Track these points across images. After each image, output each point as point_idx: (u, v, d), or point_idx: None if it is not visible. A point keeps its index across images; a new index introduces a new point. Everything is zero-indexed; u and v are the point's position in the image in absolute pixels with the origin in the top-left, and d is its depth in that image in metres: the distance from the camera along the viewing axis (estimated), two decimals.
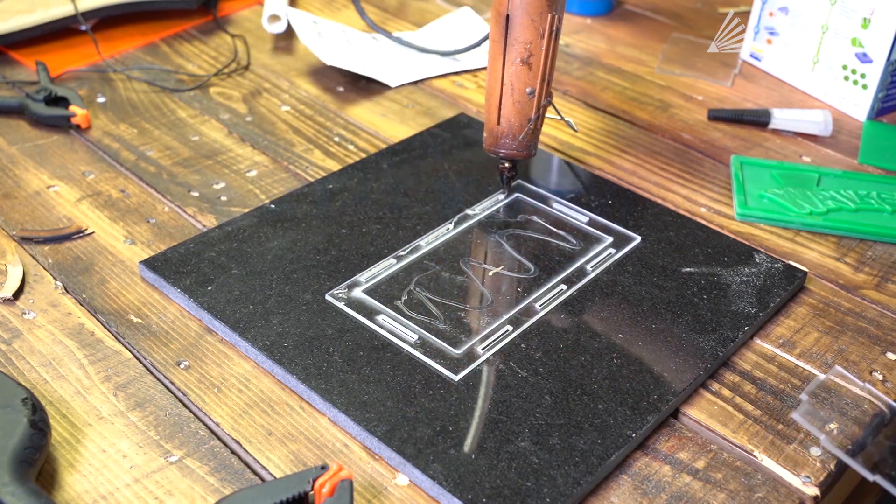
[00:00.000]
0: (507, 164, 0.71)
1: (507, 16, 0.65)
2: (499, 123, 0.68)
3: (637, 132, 0.86)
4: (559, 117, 0.71)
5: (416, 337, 0.59)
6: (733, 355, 0.61)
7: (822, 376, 0.54)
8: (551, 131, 0.85)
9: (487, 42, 0.98)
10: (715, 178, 0.79)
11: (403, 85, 0.92)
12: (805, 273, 0.67)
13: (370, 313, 0.61)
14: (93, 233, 0.69)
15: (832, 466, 0.53)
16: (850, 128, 0.88)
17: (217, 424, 0.54)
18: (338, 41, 0.97)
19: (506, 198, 0.72)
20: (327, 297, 0.62)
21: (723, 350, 0.59)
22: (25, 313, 0.61)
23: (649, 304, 0.63)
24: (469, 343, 0.59)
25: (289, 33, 1.01)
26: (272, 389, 0.56)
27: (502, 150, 0.69)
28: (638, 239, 0.69)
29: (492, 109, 0.68)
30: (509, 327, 0.60)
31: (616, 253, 0.67)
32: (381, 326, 0.60)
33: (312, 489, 0.47)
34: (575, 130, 0.76)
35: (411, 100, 0.89)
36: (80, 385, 0.56)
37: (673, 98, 0.92)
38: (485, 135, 0.70)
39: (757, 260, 0.67)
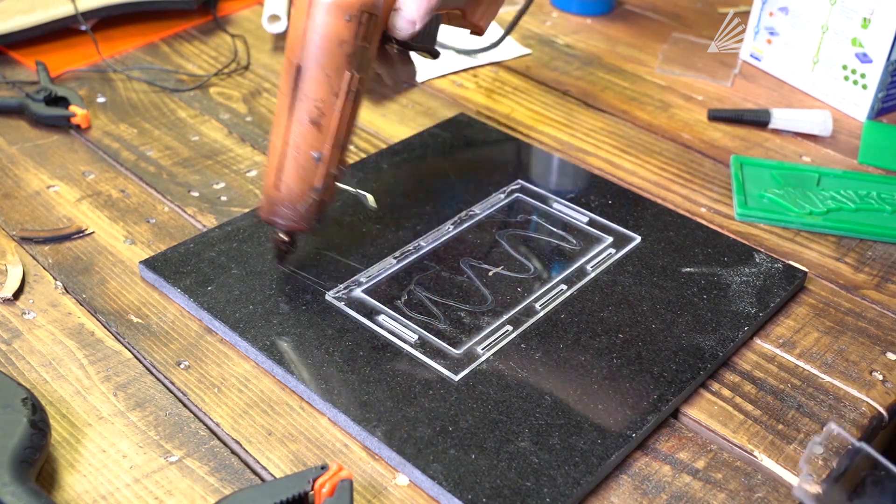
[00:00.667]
0: (283, 237, 0.61)
1: (299, 66, 0.55)
2: (278, 189, 0.58)
3: (637, 132, 0.86)
4: (353, 192, 0.61)
5: (416, 337, 0.59)
6: (733, 355, 0.61)
7: (818, 437, 0.53)
8: (551, 131, 0.85)
9: (507, 40, 0.98)
10: (715, 178, 0.79)
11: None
12: (805, 273, 0.67)
13: (370, 313, 0.61)
14: (93, 233, 0.69)
15: (833, 465, 0.53)
16: (850, 128, 0.88)
17: (217, 424, 0.54)
18: None
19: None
20: (327, 297, 0.62)
21: (723, 350, 0.59)
22: (25, 313, 0.61)
23: (649, 304, 0.63)
24: (469, 343, 0.59)
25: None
26: (272, 389, 0.56)
27: (280, 220, 0.59)
28: (638, 239, 0.69)
29: (271, 171, 0.58)
30: (509, 327, 0.60)
31: (616, 253, 0.67)
32: (381, 326, 0.60)
33: (312, 489, 0.46)
34: (373, 208, 0.63)
35: (411, 100, 0.89)
36: (80, 385, 0.56)
37: (673, 98, 0.92)
38: (262, 199, 0.60)
39: (757, 260, 0.67)
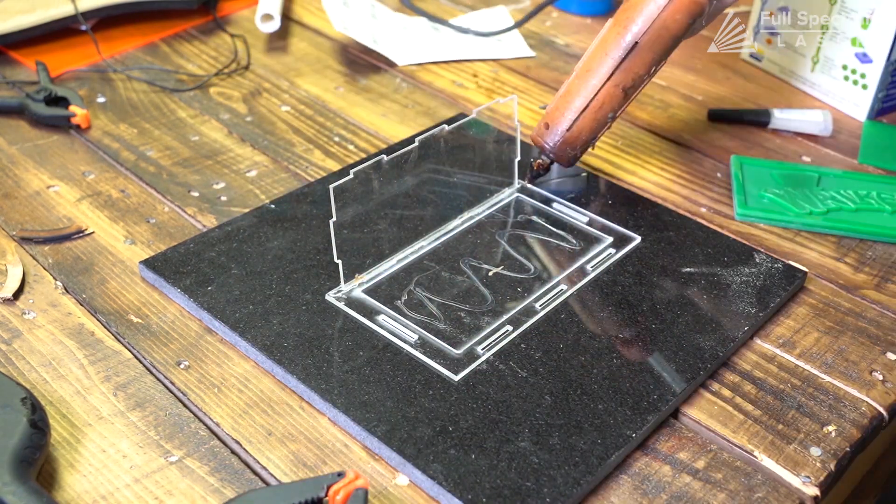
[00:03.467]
0: (544, 162, 0.71)
1: (636, 43, 0.64)
2: (570, 129, 0.68)
3: (637, 132, 0.86)
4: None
5: (416, 337, 0.59)
6: (733, 355, 0.61)
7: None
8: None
9: (515, 32, 0.99)
10: (715, 178, 0.79)
11: (404, 84, 0.92)
12: (805, 273, 0.67)
13: (370, 313, 0.61)
14: (93, 233, 0.69)
15: (832, 466, 0.53)
16: (850, 128, 0.88)
17: (217, 424, 0.54)
18: (362, 13, 0.98)
19: (521, 187, 0.72)
20: (327, 297, 0.62)
21: (723, 350, 0.59)
22: (25, 313, 0.61)
23: (649, 304, 0.63)
24: (469, 343, 0.59)
25: (289, 32, 1.01)
26: (272, 389, 0.56)
27: (551, 151, 0.69)
28: (638, 239, 0.69)
29: (567, 110, 0.68)
30: (509, 327, 0.60)
31: (616, 253, 0.67)
32: (382, 326, 0.60)
33: (326, 495, 0.46)
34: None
35: (411, 100, 0.89)
36: (80, 385, 0.56)
37: (673, 98, 0.92)
38: (543, 128, 0.69)
39: (757, 260, 0.67)
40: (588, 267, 0.66)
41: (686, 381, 0.57)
